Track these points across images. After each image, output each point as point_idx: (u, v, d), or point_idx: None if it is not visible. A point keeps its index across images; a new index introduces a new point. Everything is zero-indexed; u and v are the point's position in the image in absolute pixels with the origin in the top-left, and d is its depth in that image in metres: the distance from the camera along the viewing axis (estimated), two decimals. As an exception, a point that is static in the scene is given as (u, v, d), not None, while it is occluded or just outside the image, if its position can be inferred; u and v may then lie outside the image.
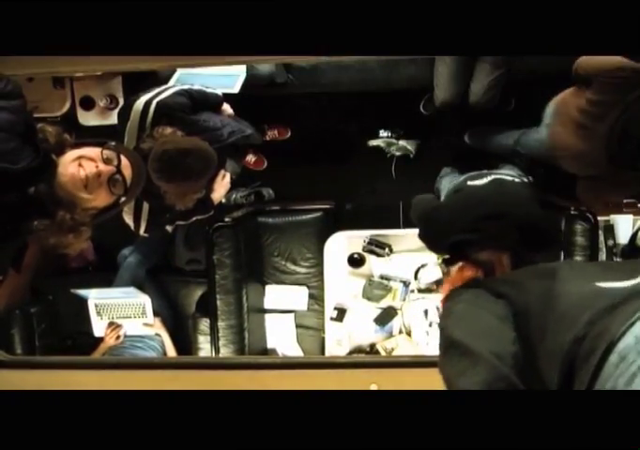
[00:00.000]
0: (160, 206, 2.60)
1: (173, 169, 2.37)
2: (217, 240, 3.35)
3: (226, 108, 3.01)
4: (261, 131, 3.70)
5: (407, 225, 3.46)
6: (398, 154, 3.74)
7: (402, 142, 3.72)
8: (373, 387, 1.99)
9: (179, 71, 3.23)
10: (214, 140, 2.61)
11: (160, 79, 3.17)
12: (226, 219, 3.36)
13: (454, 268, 1.86)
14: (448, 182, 3.09)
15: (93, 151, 1.99)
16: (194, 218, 2.87)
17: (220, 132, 2.74)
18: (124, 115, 2.58)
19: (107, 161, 1.99)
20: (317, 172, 3.84)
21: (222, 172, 2.88)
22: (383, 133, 3.74)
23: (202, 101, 2.77)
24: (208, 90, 2.86)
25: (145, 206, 2.63)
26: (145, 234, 2.76)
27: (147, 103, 2.55)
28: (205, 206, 2.84)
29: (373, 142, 3.75)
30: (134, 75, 3.35)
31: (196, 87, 2.77)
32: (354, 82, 3.56)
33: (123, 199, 2.11)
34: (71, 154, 1.95)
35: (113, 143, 2.08)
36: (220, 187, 2.88)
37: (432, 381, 1.85)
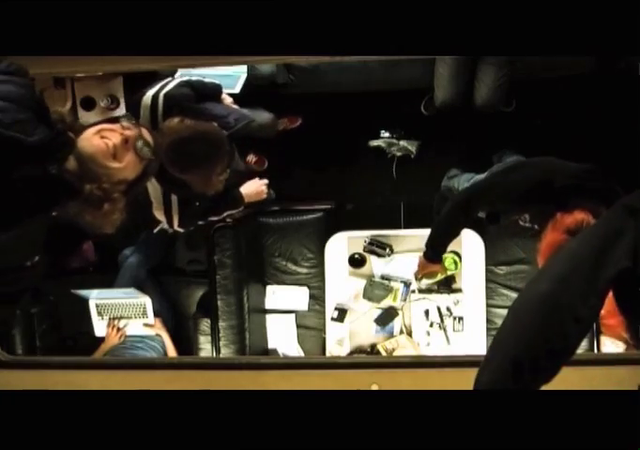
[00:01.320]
0: (188, 196, 2.60)
1: (182, 159, 2.37)
2: (218, 240, 3.34)
3: (225, 97, 3.03)
4: (277, 122, 3.70)
5: (408, 225, 3.47)
6: (399, 154, 3.73)
7: (402, 143, 3.72)
8: (374, 387, 1.99)
9: (180, 72, 3.23)
10: (222, 127, 2.63)
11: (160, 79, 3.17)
12: (227, 220, 3.36)
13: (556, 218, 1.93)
14: (465, 180, 3.12)
15: (112, 124, 1.97)
16: (226, 214, 2.88)
17: (226, 120, 2.76)
18: (133, 112, 2.59)
19: (128, 129, 1.96)
20: (318, 173, 3.83)
21: (258, 179, 2.93)
22: (384, 133, 3.74)
23: (203, 91, 2.81)
24: (206, 80, 2.89)
25: (174, 198, 2.63)
26: (180, 229, 2.75)
27: (155, 97, 2.58)
28: (234, 199, 2.84)
29: (374, 143, 3.75)
30: (135, 75, 3.34)
31: (195, 78, 2.81)
32: (355, 82, 3.56)
33: (153, 165, 2.07)
34: (91, 130, 1.93)
35: (127, 113, 2.08)
36: (252, 186, 2.88)
37: (432, 381, 1.86)
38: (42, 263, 1.96)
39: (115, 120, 2.01)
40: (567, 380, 1.26)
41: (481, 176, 2.93)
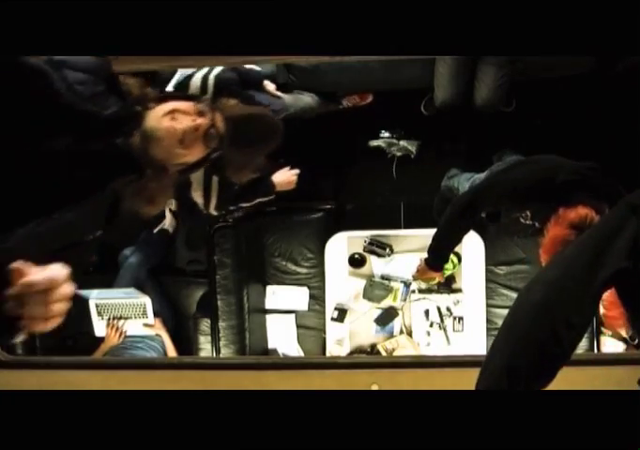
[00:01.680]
0: (228, 179, 2.59)
1: (238, 133, 2.34)
2: (218, 240, 3.35)
3: (268, 83, 3.02)
4: (336, 101, 3.69)
5: (408, 225, 3.47)
6: (399, 154, 3.73)
7: (402, 143, 3.72)
8: (374, 387, 1.99)
9: (180, 72, 3.22)
10: None
11: (160, 79, 3.16)
12: (227, 220, 3.36)
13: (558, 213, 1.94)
14: (465, 179, 3.12)
15: (186, 104, 1.85)
16: (257, 201, 2.86)
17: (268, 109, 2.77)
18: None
19: (201, 114, 1.85)
20: (318, 173, 3.83)
21: (289, 168, 2.92)
22: (384, 133, 3.74)
23: (246, 77, 2.82)
24: (247, 66, 2.89)
25: (215, 180, 2.60)
26: (215, 212, 2.73)
27: (205, 78, 2.58)
28: (266, 187, 2.84)
29: (374, 143, 3.75)
30: (135, 75, 3.34)
31: None
32: (355, 82, 3.55)
33: (216, 154, 1.95)
34: (162, 107, 1.82)
35: (205, 97, 2.02)
36: (284, 175, 2.88)
37: (432, 381, 1.86)
38: (102, 238, 1.89)
39: (191, 97, 1.90)
40: (567, 380, 1.26)
41: (481, 176, 2.93)
